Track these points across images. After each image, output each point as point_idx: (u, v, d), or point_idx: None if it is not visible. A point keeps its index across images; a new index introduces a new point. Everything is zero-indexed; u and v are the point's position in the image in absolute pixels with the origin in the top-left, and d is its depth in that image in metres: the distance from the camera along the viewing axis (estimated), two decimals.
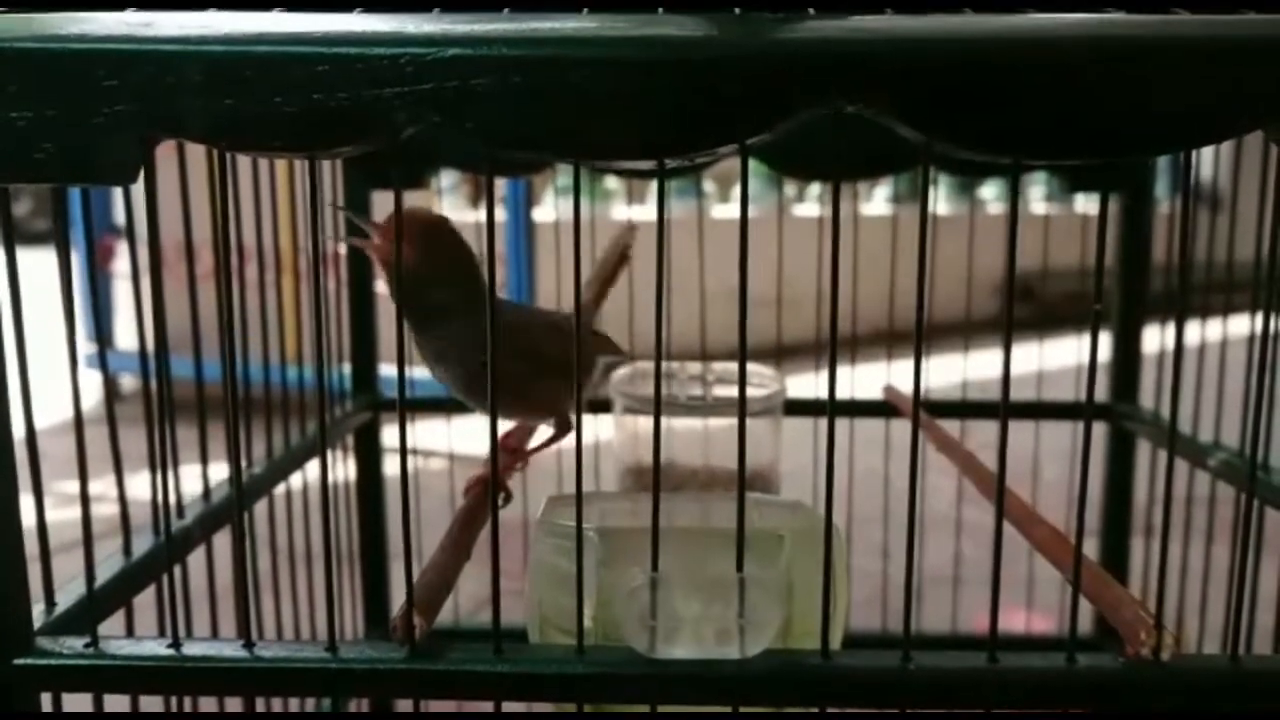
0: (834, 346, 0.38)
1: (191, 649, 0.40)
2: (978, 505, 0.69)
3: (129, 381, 2.19)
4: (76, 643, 0.40)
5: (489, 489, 0.46)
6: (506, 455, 0.63)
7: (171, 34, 0.35)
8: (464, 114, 0.35)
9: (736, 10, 0.40)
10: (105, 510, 0.45)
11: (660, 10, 0.40)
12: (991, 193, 3.31)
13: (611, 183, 2.61)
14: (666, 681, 0.39)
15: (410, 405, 0.40)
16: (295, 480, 0.72)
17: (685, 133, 0.35)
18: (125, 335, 2.27)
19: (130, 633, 0.48)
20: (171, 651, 0.40)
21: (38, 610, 0.42)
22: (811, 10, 0.37)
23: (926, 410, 0.80)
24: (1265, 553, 0.59)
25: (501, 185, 1.85)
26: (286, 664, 0.39)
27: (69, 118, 0.35)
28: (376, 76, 0.34)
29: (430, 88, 0.34)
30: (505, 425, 0.65)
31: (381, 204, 0.88)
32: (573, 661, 0.39)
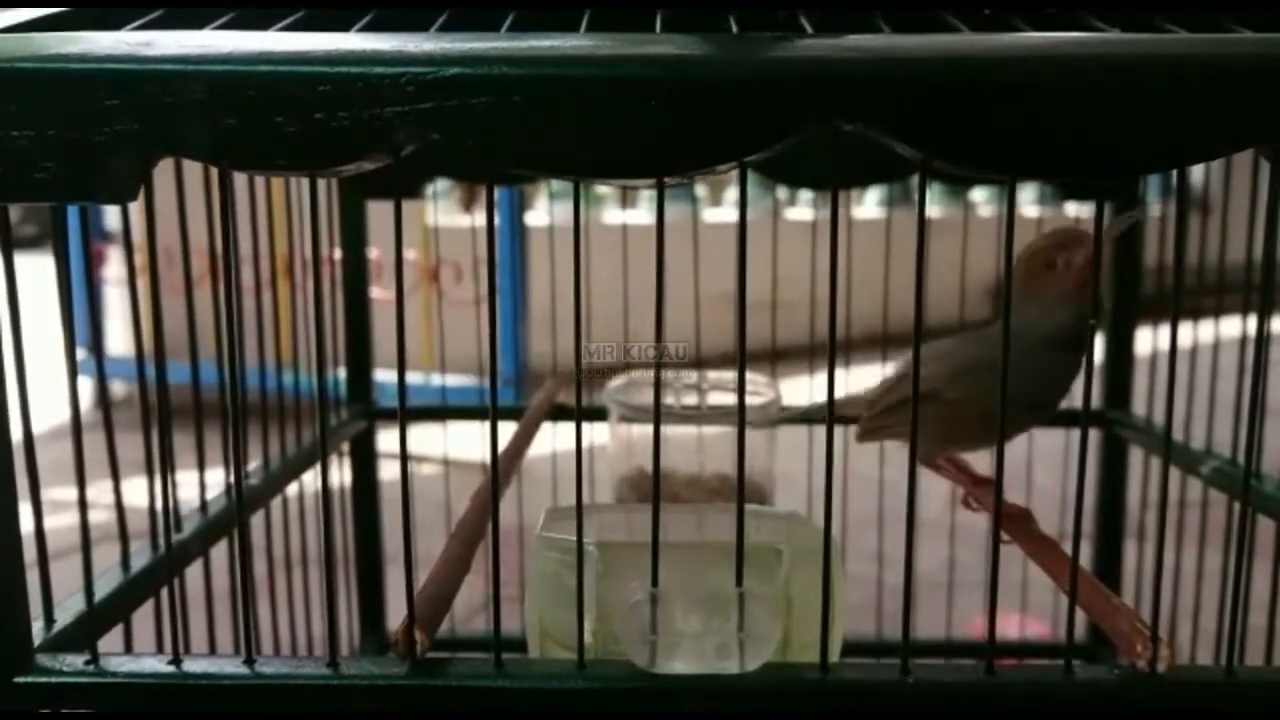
0: (831, 371, 0.38)
1: (192, 666, 0.40)
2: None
3: (120, 387, 2.18)
4: (77, 660, 0.40)
5: None
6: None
7: (172, 53, 0.35)
8: (464, 133, 0.35)
9: (734, 29, 0.40)
10: (100, 517, 0.45)
11: (659, 29, 0.41)
12: (983, 196, 3.31)
13: (604, 188, 2.61)
14: (666, 696, 0.39)
15: (406, 412, 0.41)
16: (291, 486, 0.72)
17: (684, 152, 0.35)
18: (116, 341, 2.26)
19: (129, 646, 0.48)
20: (172, 669, 0.40)
21: (37, 627, 0.42)
22: (809, 29, 0.37)
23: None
24: (1257, 557, 0.60)
25: (495, 190, 1.84)
26: (287, 680, 0.39)
27: (70, 137, 0.35)
28: (377, 96, 0.34)
29: (431, 107, 0.34)
30: None
31: (376, 213, 0.88)
32: (573, 676, 0.39)
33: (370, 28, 0.42)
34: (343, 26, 0.40)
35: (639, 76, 0.34)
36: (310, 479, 0.74)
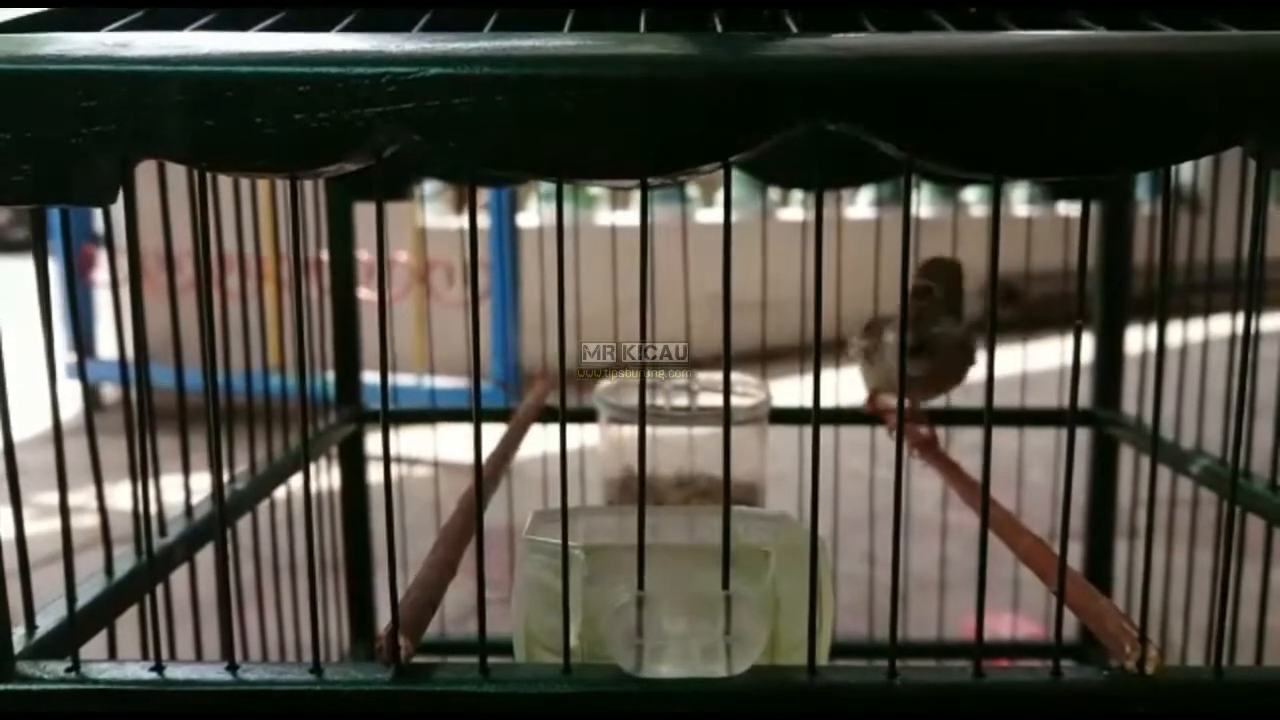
0: (817, 370, 0.38)
1: (174, 672, 0.40)
2: (962, 508, 0.69)
3: (111, 391, 2.18)
4: (58, 667, 0.40)
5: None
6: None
7: (150, 54, 0.34)
8: (446, 133, 0.34)
9: (719, 29, 0.40)
10: (85, 522, 0.44)
11: (643, 29, 0.40)
12: (974, 195, 3.32)
13: (595, 190, 2.61)
14: (653, 700, 0.39)
15: (394, 416, 0.40)
16: (280, 489, 0.72)
17: (667, 152, 0.35)
18: (107, 345, 2.26)
19: (113, 652, 0.48)
20: (154, 675, 0.39)
21: (18, 634, 0.42)
22: (793, 28, 0.37)
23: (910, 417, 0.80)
24: (1247, 557, 0.60)
25: (485, 192, 1.84)
26: (270, 686, 0.39)
27: (47, 139, 0.34)
28: (358, 96, 0.34)
29: (412, 107, 0.34)
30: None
31: (365, 215, 0.88)
32: (559, 681, 0.39)
33: (352, 28, 0.42)
34: (324, 27, 0.40)
35: (622, 76, 0.34)
36: (299, 483, 0.73)
